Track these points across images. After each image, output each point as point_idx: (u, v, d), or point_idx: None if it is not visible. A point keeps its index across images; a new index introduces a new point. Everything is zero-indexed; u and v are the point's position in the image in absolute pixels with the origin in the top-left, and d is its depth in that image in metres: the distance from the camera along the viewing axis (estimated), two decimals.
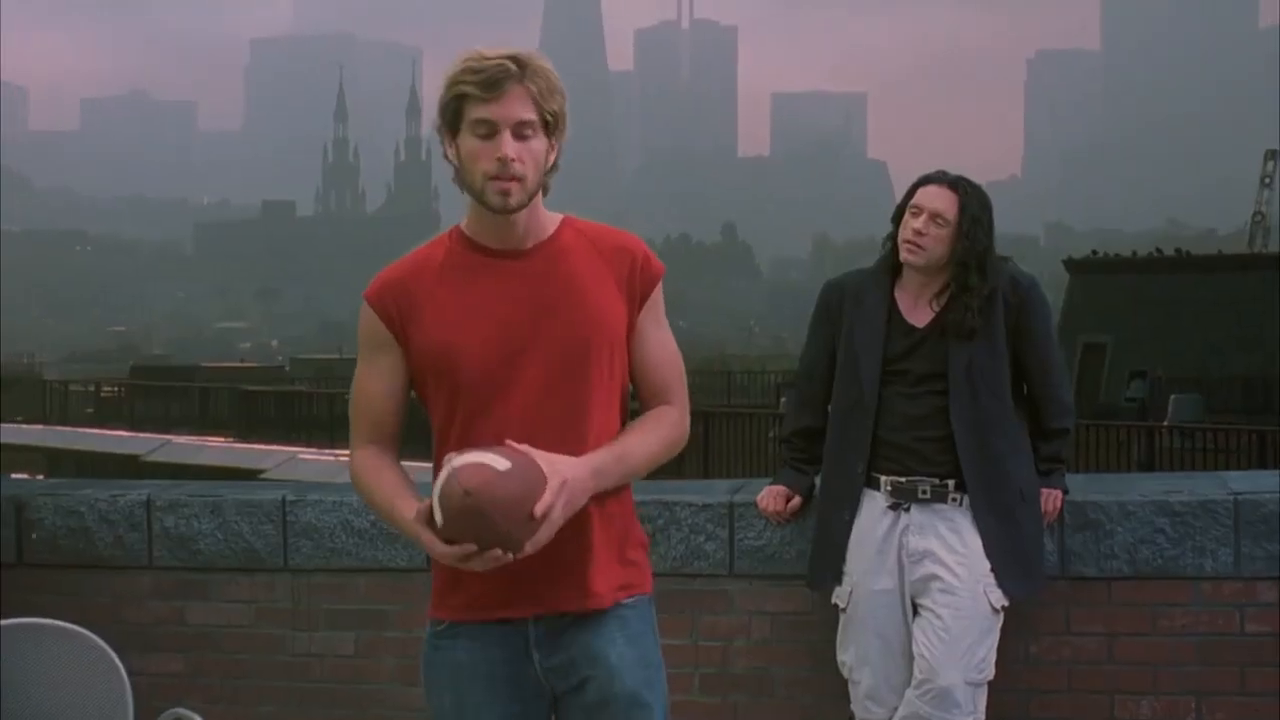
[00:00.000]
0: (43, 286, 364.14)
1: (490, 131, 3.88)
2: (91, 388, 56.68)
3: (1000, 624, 5.66)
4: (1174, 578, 6.05)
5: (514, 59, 3.88)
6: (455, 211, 4.23)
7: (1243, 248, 56.75)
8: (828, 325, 5.90)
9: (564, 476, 3.81)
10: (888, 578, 5.69)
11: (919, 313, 5.74)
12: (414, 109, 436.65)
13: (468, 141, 3.90)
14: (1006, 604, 5.63)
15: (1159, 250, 48.28)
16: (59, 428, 47.31)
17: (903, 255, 5.70)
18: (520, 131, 3.88)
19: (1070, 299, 45.34)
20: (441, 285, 4.01)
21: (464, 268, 4.02)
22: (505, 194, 3.89)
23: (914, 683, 5.63)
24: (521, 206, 3.93)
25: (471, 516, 3.71)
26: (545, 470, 3.79)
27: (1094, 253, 51.77)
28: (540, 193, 4.00)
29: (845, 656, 5.84)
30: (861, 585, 5.74)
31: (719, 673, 6.34)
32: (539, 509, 3.75)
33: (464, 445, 3.90)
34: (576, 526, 3.94)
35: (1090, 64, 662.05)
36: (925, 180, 5.79)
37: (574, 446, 3.93)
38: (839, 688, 5.92)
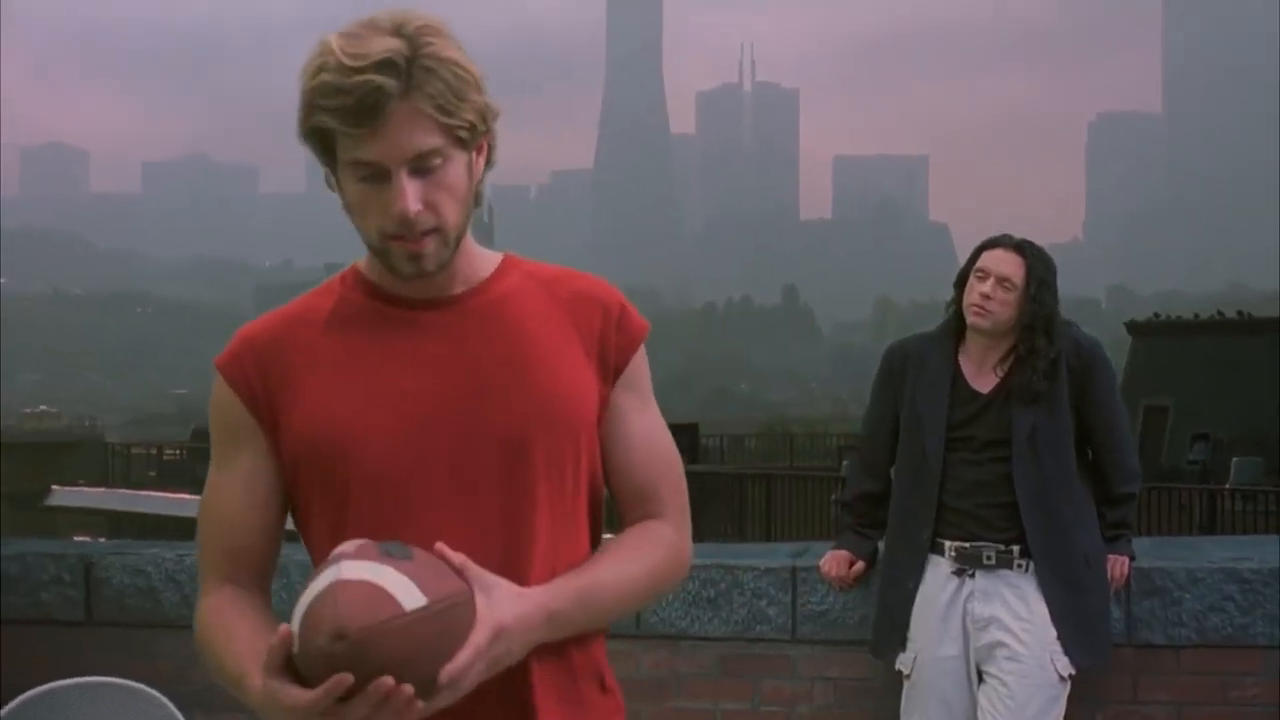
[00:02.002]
0: (104, 349, 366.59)
1: (377, 175, 2.64)
2: (153, 450, 56.96)
3: (1067, 692, 5.61)
4: (1244, 646, 5.99)
5: (388, 63, 2.57)
6: None
7: None
8: (890, 389, 5.89)
9: (499, 623, 2.53)
10: (952, 644, 5.66)
11: (983, 378, 5.73)
12: None
13: (350, 185, 2.68)
14: (1073, 672, 5.58)
15: (1220, 313, 48.01)
16: (121, 491, 47.48)
17: (970, 319, 5.68)
18: (424, 165, 2.63)
19: (1132, 362, 45.10)
20: (326, 346, 2.78)
21: (361, 322, 2.79)
22: (418, 259, 2.68)
23: None
24: (444, 266, 2.73)
25: (341, 668, 2.40)
26: (478, 606, 2.53)
27: (1156, 315, 51.52)
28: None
29: None
30: (926, 652, 5.70)
31: None
32: (447, 673, 2.45)
33: None
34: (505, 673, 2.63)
35: (1151, 126, 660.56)
36: (990, 244, 5.77)
37: (518, 580, 2.67)
38: None
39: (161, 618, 6.74)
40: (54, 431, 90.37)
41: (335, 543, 2.60)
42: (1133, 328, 48.61)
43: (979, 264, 5.72)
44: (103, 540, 25.71)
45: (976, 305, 5.65)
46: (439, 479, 2.70)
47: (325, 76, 2.58)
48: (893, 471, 5.91)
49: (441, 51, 2.61)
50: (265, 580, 2.88)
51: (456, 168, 2.67)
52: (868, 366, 6.01)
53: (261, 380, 2.77)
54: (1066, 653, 5.55)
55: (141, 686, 4.97)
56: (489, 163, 2.77)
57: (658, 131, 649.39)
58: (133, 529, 41.52)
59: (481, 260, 2.85)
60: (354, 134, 2.59)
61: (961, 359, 5.77)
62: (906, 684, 5.79)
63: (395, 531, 2.62)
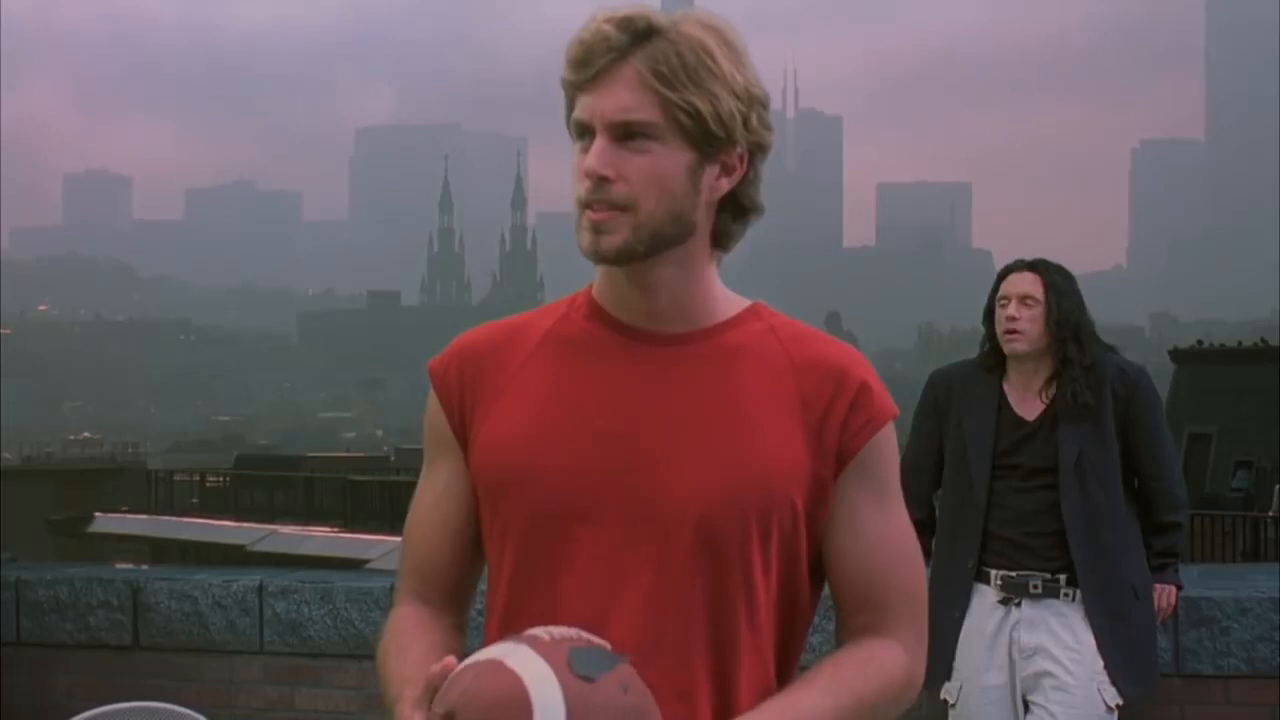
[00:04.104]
0: (147, 376, 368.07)
1: (587, 137, 2.42)
2: (196, 477, 57.00)
3: None
4: None
5: (628, 20, 2.38)
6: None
7: None
8: (934, 417, 5.87)
9: None
10: (998, 673, 5.64)
11: (1029, 405, 5.71)
12: (519, 198, 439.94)
13: (575, 152, 2.46)
14: (1120, 702, 5.55)
15: (1264, 340, 47.80)
16: (163, 517, 47.56)
17: (1005, 346, 5.67)
18: (628, 136, 2.38)
19: (1175, 389, 44.93)
20: (532, 365, 2.53)
21: (573, 345, 2.53)
22: (596, 230, 2.39)
23: None
24: (627, 254, 2.41)
25: None
26: None
27: (1199, 342, 51.31)
28: (702, 243, 2.48)
29: None
30: (971, 681, 5.68)
31: None
32: None
33: (513, 625, 2.40)
34: None
35: (1195, 154, 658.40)
36: (1005, 271, 5.81)
37: (683, 683, 2.42)
38: None
39: (207, 642, 6.78)
40: (97, 458, 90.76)
41: (498, 577, 2.51)
42: (1176, 355, 48.48)
43: (999, 292, 5.74)
44: (146, 567, 25.81)
45: (1008, 330, 5.66)
46: (603, 534, 2.43)
47: (582, 30, 2.41)
48: (937, 500, 5.90)
49: (693, 32, 2.38)
50: (457, 601, 2.62)
51: (673, 159, 2.39)
52: (911, 393, 5.97)
53: (464, 391, 2.54)
54: (1114, 683, 5.53)
55: (187, 711, 4.99)
56: (746, 205, 2.50)
57: None
58: (175, 556, 41.68)
59: (723, 303, 2.53)
60: (576, 82, 2.40)
61: (1006, 388, 5.75)
62: (952, 713, 5.77)
63: (546, 580, 2.45)
